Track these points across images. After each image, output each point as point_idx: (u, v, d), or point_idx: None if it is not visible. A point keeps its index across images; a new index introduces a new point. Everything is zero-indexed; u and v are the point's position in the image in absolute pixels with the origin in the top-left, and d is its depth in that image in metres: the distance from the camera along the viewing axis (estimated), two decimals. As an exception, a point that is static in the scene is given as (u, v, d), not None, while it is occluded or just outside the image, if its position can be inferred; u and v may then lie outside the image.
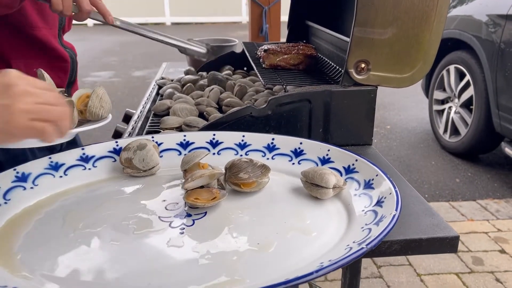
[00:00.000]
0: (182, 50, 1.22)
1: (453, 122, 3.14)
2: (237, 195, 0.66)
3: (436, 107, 3.36)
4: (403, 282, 1.85)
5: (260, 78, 0.99)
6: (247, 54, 1.23)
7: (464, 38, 2.93)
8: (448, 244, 0.57)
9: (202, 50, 1.22)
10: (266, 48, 1.12)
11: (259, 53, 1.17)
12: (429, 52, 0.82)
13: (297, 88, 0.89)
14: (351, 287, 0.93)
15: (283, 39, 1.55)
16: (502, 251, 2.05)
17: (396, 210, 0.54)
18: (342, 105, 0.86)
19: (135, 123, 1.00)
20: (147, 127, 1.00)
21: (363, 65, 0.83)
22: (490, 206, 2.47)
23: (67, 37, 1.17)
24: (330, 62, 1.12)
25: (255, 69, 1.09)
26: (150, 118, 1.06)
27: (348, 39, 0.85)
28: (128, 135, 0.93)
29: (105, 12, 1.00)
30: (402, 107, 4.40)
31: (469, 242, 2.12)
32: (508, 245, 2.10)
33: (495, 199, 2.55)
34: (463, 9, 3.03)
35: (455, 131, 3.14)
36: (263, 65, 1.12)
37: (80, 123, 0.78)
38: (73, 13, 0.94)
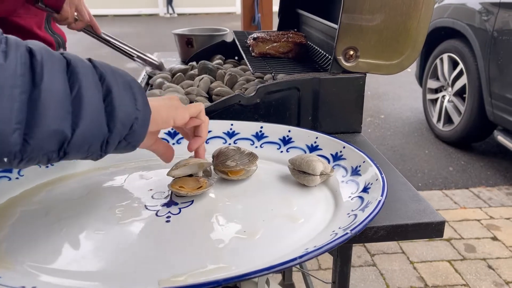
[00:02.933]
0: (142, 63, 1.32)
1: (446, 111, 3.15)
2: (224, 183, 0.66)
3: (429, 96, 3.37)
4: (396, 270, 1.87)
5: (249, 66, 0.99)
6: (237, 43, 1.23)
7: (457, 26, 2.93)
8: (434, 229, 0.57)
9: (157, 62, 1.33)
10: (255, 36, 1.12)
11: (248, 42, 1.16)
12: (417, 39, 0.82)
13: (286, 76, 0.88)
14: (342, 275, 0.93)
15: (275, 28, 1.54)
16: (494, 238, 2.07)
17: (382, 196, 0.54)
18: (331, 93, 0.85)
19: (124, 113, 0.99)
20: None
21: (351, 52, 0.82)
22: (482, 194, 2.48)
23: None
24: (320, 50, 1.12)
25: (244, 57, 1.08)
26: (140, 108, 1.05)
27: (337, 26, 0.85)
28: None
29: (96, 25, 1.19)
30: (396, 96, 4.40)
31: (462, 229, 2.14)
32: (500, 232, 2.11)
33: (488, 187, 2.57)
34: (456, -3, 3.03)
35: (448, 120, 3.15)
36: (253, 54, 1.11)
37: None
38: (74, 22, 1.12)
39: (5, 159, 0.41)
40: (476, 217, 2.25)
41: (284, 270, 0.45)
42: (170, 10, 14.26)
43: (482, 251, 1.98)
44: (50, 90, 0.42)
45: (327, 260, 1.92)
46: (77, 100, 0.44)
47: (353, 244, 0.99)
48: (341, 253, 0.85)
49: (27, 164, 0.43)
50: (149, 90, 1.18)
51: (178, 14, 14.41)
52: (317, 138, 0.73)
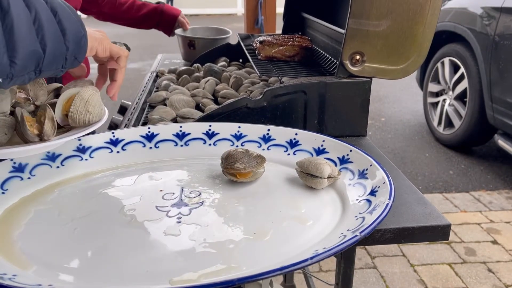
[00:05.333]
0: None
1: (447, 114, 3.16)
2: (233, 185, 0.67)
3: (430, 100, 3.38)
4: (396, 273, 1.88)
5: (256, 70, 1.00)
6: (243, 46, 1.24)
7: (458, 30, 2.94)
8: (440, 232, 0.58)
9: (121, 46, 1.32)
10: (261, 39, 1.13)
11: (254, 45, 1.17)
12: (423, 45, 0.83)
13: (293, 79, 0.89)
14: (345, 277, 0.94)
15: (278, 31, 1.55)
16: (494, 242, 2.08)
17: (389, 199, 0.55)
18: (337, 97, 0.86)
19: (131, 115, 1.00)
20: (142, 118, 1.00)
21: (358, 57, 0.84)
22: (483, 198, 2.49)
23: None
24: (325, 54, 1.13)
25: (251, 60, 1.09)
26: (146, 109, 1.06)
27: (343, 31, 0.86)
28: (125, 126, 0.94)
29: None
30: (397, 99, 4.42)
31: (462, 233, 2.15)
32: (500, 236, 2.12)
33: (488, 191, 2.58)
34: (458, 2, 3.04)
35: (449, 124, 3.16)
36: (259, 57, 1.12)
37: (67, 128, 0.66)
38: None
39: (0, 79, 0.49)
40: (476, 220, 2.26)
41: (294, 270, 0.46)
42: None
43: (482, 254, 1.99)
44: (18, 15, 0.49)
45: (328, 262, 1.93)
46: (38, 23, 0.51)
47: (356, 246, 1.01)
48: (345, 255, 0.86)
49: (14, 82, 0.51)
50: (155, 91, 1.19)
51: (179, 15, 14.39)
52: (324, 141, 0.74)
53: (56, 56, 0.54)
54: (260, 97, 0.85)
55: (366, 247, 2.05)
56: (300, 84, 0.86)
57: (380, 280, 1.83)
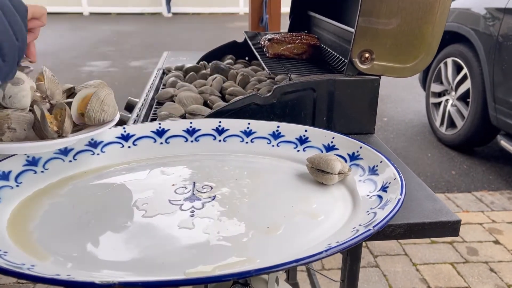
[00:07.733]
0: None
1: (449, 114, 3.16)
2: (244, 181, 0.68)
3: (433, 100, 3.38)
4: (399, 272, 1.88)
5: (265, 67, 1.01)
6: (250, 44, 1.24)
7: (462, 31, 2.95)
8: (450, 228, 0.58)
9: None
10: (270, 37, 1.13)
11: (262, 43, 1.18)
12: (431, 44, 0.84)
13: (301, 77, 0.90)
14: (351, 274, 0.95)
15: (283, 30, 1.56)
16: (496, 242, 2.08)
17: (401, 194, 0.56)
18: (345, 94, 0.87)
19: (139, 111, 1.01)
20: (151, 114, 1.01)
21: (367, 55, 0.84)
22: (485, 198, 2.50)
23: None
24: (333, 52, 1.14)
25: (259, 58, 1.10)
26: (154, 106, 1.07)
27: (351, 29, 0.87)
28: (134, 123, 0.94)
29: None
30: (399, 99, 4.42)
31: (464, 233, 2.15)
32: (502, 236, 2.13)
33: (490, 191, 2.59)
34: (462, 2, 3.04)
35: (451, 124, 3.16)
36: (267, 54, 1.13)
37: (81, 127, 0.70)
38: None
39: None
40: (478, 220, 2.26)
41: (309, 263, 0.46)
42: (171, 9, 14.23)
43: (484, 254, 2.00)
44: None
45: (331, 261, 1.94)
46: None
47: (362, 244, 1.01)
48: (351, 251, 0.86)
49: None
50: (162, 88, 1.20)
51: (181, 13, 14.41)
52: (333, 138, 0.74)
53: None
54: (269, 94, 0.86)
55: (369, 246, 2.06)
56: (309, 82, 0.86)
57: (383, 279, 1.84)
